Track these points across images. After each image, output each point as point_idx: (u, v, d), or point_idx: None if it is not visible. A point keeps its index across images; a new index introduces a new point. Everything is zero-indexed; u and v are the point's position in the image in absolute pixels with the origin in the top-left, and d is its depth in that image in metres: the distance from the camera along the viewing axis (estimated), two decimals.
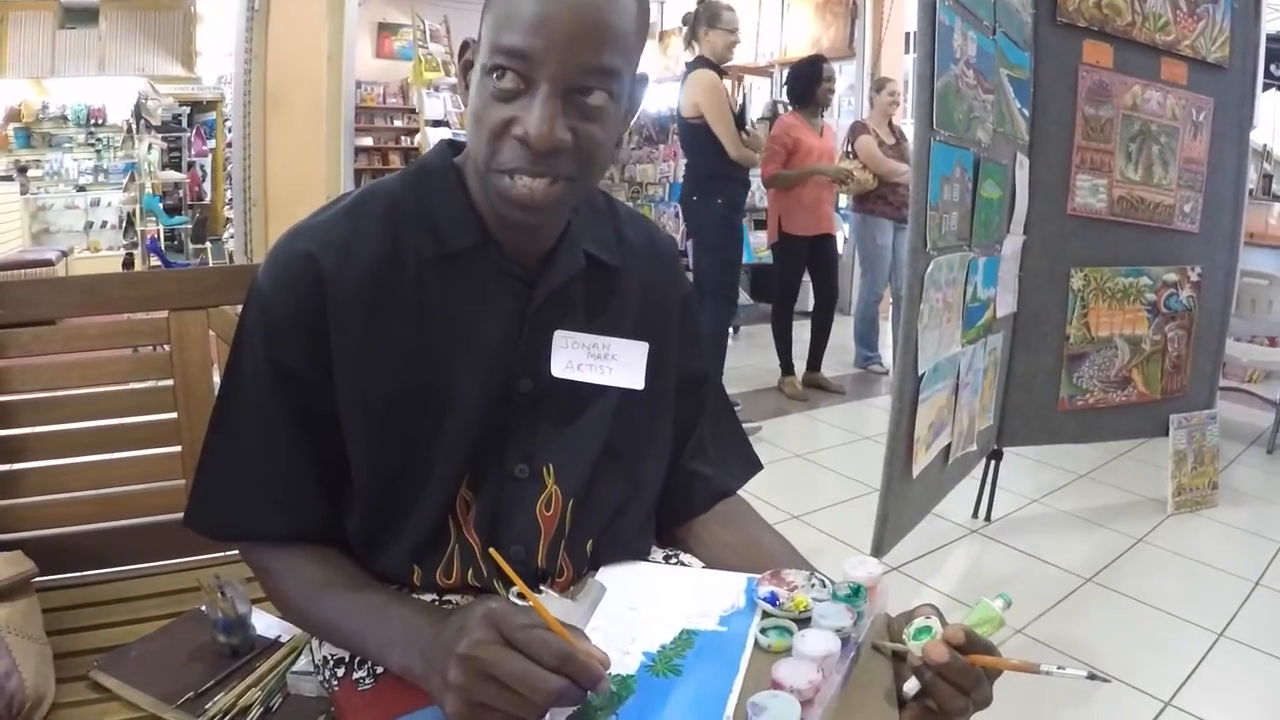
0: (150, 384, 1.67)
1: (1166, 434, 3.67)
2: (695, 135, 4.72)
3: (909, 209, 2.49)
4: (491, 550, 0.93)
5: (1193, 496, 3.71)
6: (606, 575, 1.10)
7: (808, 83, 5.37)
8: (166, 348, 1.66)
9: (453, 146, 1.12)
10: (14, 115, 10.19)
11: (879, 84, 5.95)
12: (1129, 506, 3.78)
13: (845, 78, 7.51)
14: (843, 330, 5.99)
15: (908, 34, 8.02)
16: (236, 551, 1.17)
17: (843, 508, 3.64)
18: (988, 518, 3.55)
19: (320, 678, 1.13)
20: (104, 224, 10.29)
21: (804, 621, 0.95)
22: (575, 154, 0.94)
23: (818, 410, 5.26)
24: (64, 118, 10.33)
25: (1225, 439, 3.87)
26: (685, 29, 4.85)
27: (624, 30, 0.94)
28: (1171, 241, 3.57)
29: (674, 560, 1.20)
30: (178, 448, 1.64)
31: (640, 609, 1.02)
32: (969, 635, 0.87)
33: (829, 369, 5.81)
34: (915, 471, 2.60)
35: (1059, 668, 0.85)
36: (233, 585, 1.34)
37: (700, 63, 4.70)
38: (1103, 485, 4.03)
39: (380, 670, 1.04)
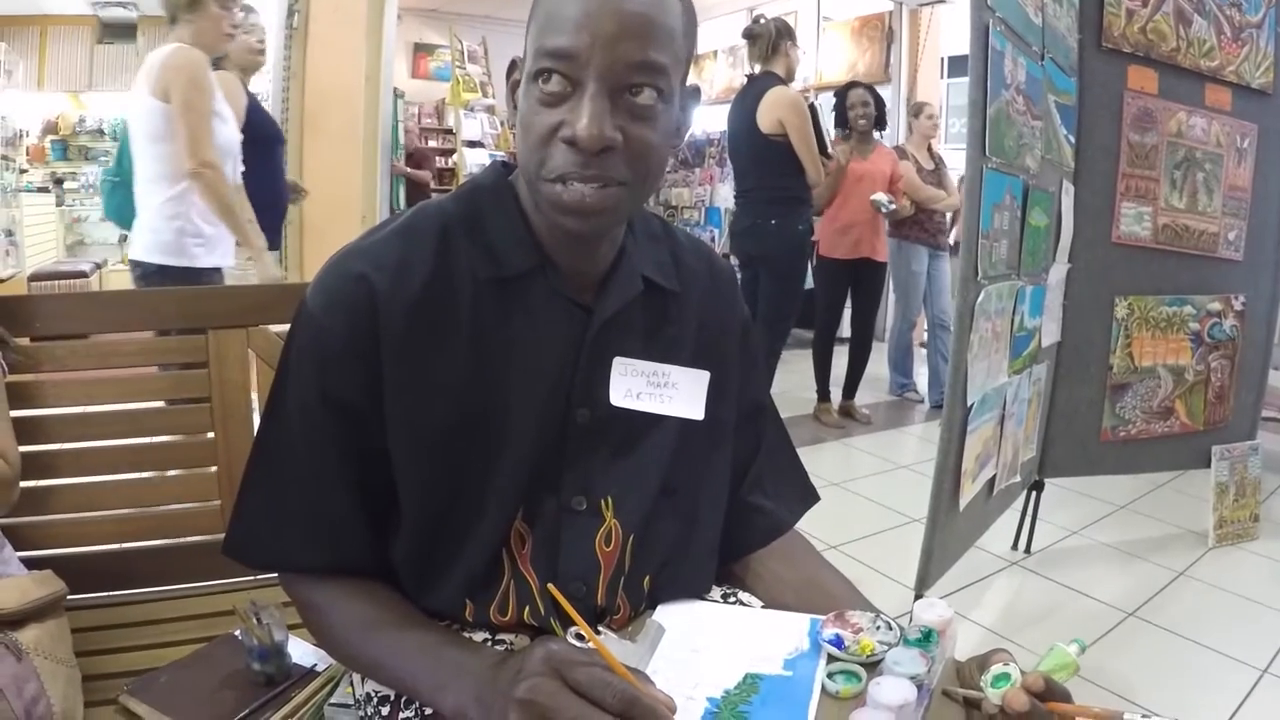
0: (187, 403, 1.64)
1: (1208, 465, 3.59)
2: (775, 154, 4.55)
3: (963, 237, 2.44)
4: (550, 586, 0.89)
5: (1234, 529, 3.64)
6: (664, 615, 1.06)
7: (838, 110, 5.34)
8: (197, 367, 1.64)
9: (505, 166, 1.09)
10: (51, 128, 10.30)
11: (917, 108, 5.91)
12: (1169, 539, 3.71)
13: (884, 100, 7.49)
14: (877, 357, 5.93)
15: (943, 59, 8.00)
16: (272, 575, 1.14)
17: (881, 538, 3.61)
18: (1028, 549, 3.49)
19: (362, 713, 1.08)
20: None
21: (871, 665, 0.92)
22: (626, 156, 0.91)
23: (853, 438, 5.21)
24: (101, 131, 10.42)
25: (1265, 470, 3.80)
26: (760, 42, 4.65)
27: (670, 27, 0.92)
28: (1215, 270, 3.51)
29: (732, 599, 1.16)
30: (214, 468, 1.62)
31: (701, 651, 0.98)
32: (1048, 683, 0.84)
33: (865, 395, 5.74)
34: (962, 504, 2.55)
35: (1143, 716, 0.81)
36: (269, 611, 1.30)
37: (773, 79, 4.59)
38: (1142, 517, 3.96)
39: (429, 712, 0.99)
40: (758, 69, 4.70)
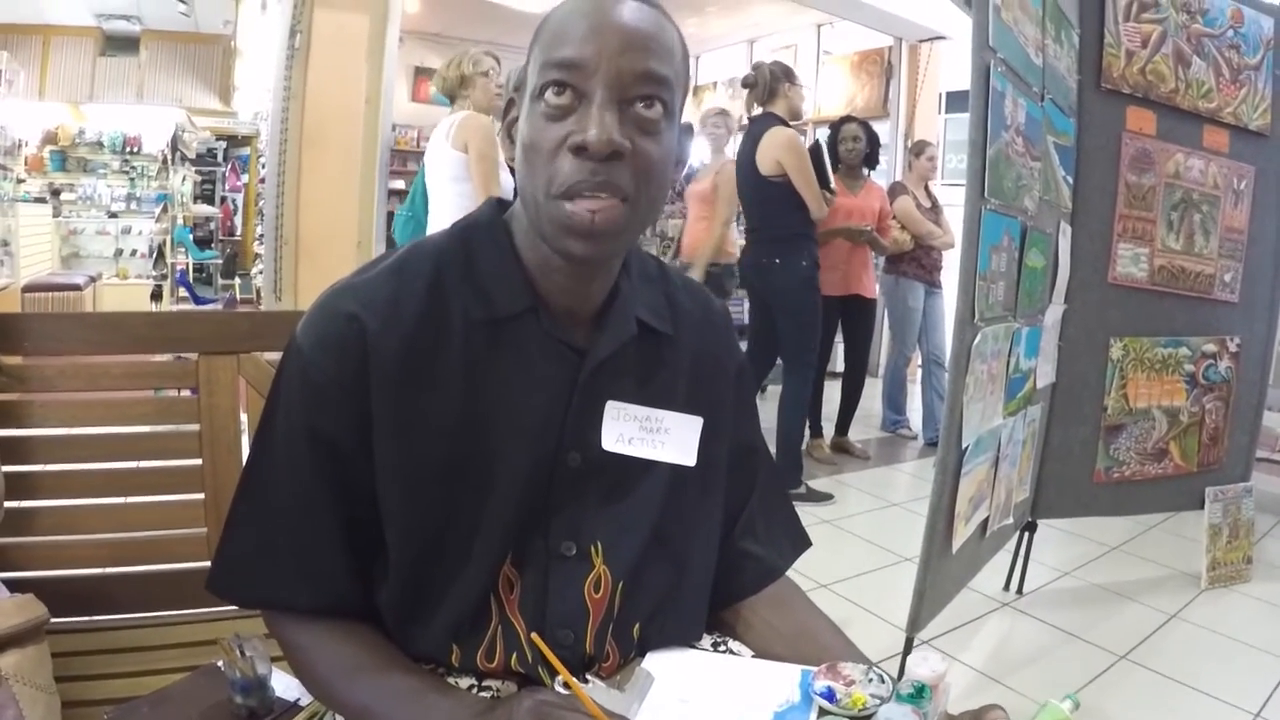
0: (175, 428, 1.63)
1: (1201, 507, 3.59)
2: (777, 194, 4.54)
3: (960, 278, 2.42)
4: (534, 636, 0.88)
5: (1227, 571, 3.63)
6: (654, 663, 1.05)
7: (830, 144, 5.35)
8: (188, 392, 1.62)
9: (500, 205, 1.08)
10: (50, 138, 10.35)
11: (919, 148, 5.91)
12: (1162, 580, 3.70)
13: (879, 137, 7.52)
14: (870, 393, 5.92)
15: (942, 94, 8.04)
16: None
17: (872, 577, 3.59)
18: (1019, 590, 3.48)
19: None
20: (134, 252, 10.39)
21: None
22: (632, 169, 0.91)
23: (845, 475, 5.19)
24: (100, 144, 10.48)
25: (1258, 511, 3.80)
26: (757, 88, 4.65)
27: (670, 45, 0.94)
28: (1211, 312, 3.52)
29: (723, 648, 1.15)
30: (200, 495, 1.60)
31: (690, 701, 0.97)
32: None
33: (857, 431, 5.74)
34: (955, 546, 2.53)
35: None
36: (252, 644, 1.28)
37: (772, 119, 4.58)
38: (1135, 558, 3.95)
39: None
40: (758, 111, 4.71)
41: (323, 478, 0.97)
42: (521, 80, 0.98)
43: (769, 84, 4.61)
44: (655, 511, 1.06)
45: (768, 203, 4.62)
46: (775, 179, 4.48)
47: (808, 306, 4.65)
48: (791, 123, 4.67)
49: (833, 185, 4.87)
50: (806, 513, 3.88)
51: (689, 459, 1.05)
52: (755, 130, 4.60)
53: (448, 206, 4.00)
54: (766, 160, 4.48)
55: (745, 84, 4.72)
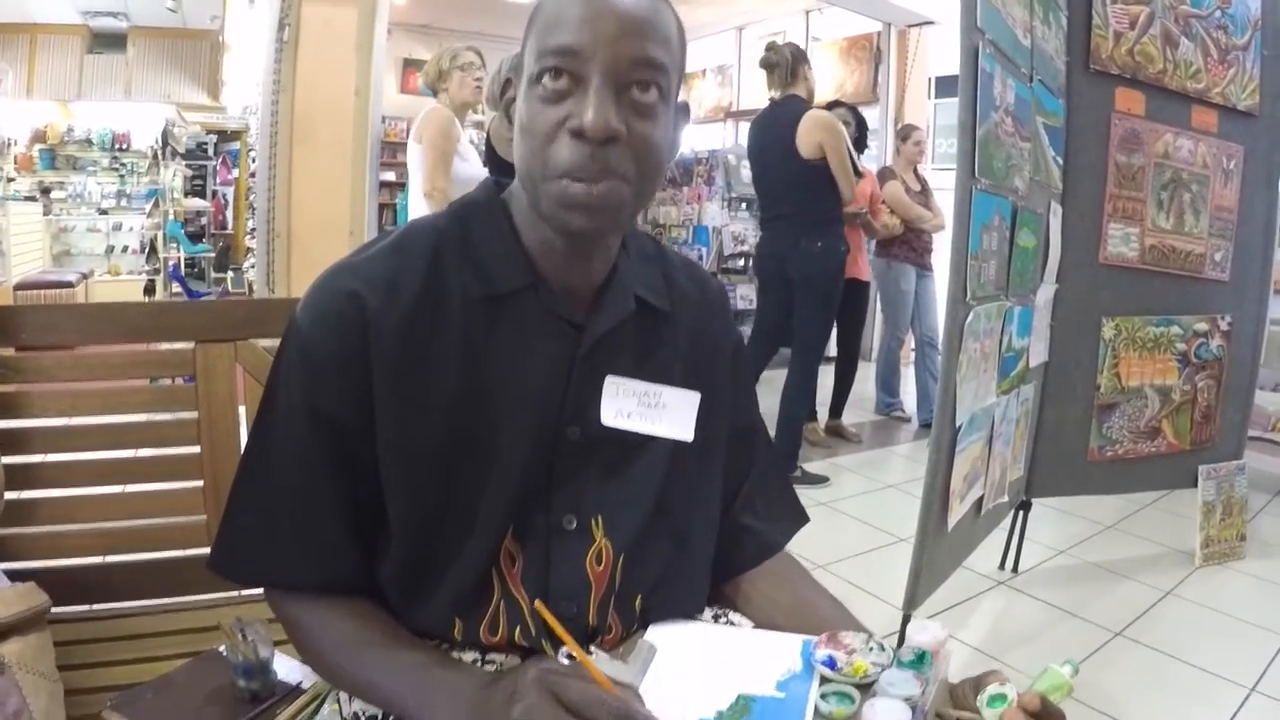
0: (173, 416, 1.63)
1: (1195, 485, 3.60)
2: (814, 177, 4.44)
3: (951, 258, 2.43)
4: (538, 604, 0.89)
5: (1221, 548, 3.64)
6: (656, 635, 1.05)
7: None
8: (183, 380, 1.62)
9: (498, 185, 1.09)
10: (39, 137, 10.31)
11: (905, 132, 5.92)
12: (1156, 558, 3.71)
13: (868, 122, 7.51)
14: (863, 376, 5.93)
15: (931, 79, 8.04)
16: (258, 591, 1.13)
17: (868, 557, 3.61)
18: (1015, 569, 3.49)
19: None
20: (125, 248, 10.36)
21: (864, 687, 0.92)
22: (630, 152, 0.92)
23: (840, 457, 5.21)
24: (89, 141, 10.43)
25: (1251, 489, 3.81)
26: (780, 69, 4.54)
27: (666, 31, 0.95)
28: (1202, 290, 3.54)
29: (723, 620, 1.16)
30: (199, 482, 1.60)
31: (693, 672, 0.98)
32: (1044, 703, 0.84)
33: (851, 414, 5.76)
34: (950, 524, 2.54)
35: None
36: (254, 628, 1.29)
37: (800, 102, 4.50)
38: (1129, 536, 3.96)
39: None
40: (778, 95, 4.62)
41: (324, 454, 0.98)
42: (517, 64, 0.98)
43: (790, 65, 4.54)
44: (655, 486, 1.07)
45: (806, 186, 4.50)
46: (815, 162, 4.41)
47: (835, 292, 4.62)
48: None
49: (861, 170, 4.84)
50: (802, 495, 3.82)
51: (687, 434, 1.06)
52: (785, 113, 4.50)
53: (415, 195, 4.24)
54: (808, 143, 4.39)
55: (764, 65, 4.63)
